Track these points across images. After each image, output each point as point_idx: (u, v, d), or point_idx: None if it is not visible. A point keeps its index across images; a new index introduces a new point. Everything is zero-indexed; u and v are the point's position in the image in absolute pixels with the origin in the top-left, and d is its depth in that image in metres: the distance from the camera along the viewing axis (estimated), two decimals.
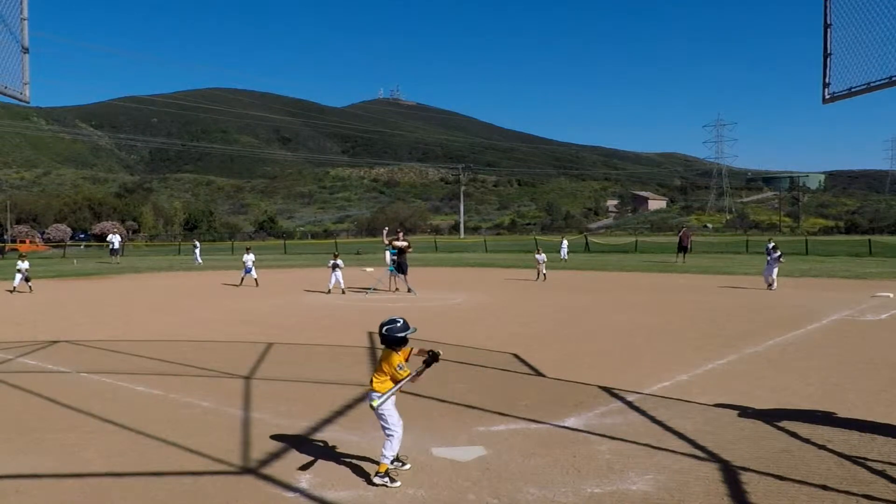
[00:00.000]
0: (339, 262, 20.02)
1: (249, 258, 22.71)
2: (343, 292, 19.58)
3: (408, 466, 5.17)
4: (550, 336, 11.89)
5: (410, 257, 21.57)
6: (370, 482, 4.91)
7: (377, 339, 11.60)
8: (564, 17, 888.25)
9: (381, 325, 5.13)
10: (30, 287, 21.00)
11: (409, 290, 19.50)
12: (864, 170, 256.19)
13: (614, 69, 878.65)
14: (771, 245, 20.22)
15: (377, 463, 5.06)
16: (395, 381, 4.97)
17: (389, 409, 5.00)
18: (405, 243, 20.20)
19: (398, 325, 5.08)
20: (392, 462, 5.02)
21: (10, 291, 20.57)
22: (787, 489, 4.71)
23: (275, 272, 30.33)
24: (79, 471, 5.23)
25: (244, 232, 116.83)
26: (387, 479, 4.86)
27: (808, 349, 10.20)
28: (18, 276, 20.79)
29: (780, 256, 19.61)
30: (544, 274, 24.29)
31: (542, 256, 24.55)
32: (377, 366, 5.14)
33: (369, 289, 20.45)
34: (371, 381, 5.08)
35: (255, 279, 22.49)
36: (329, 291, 19.61)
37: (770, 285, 19.43)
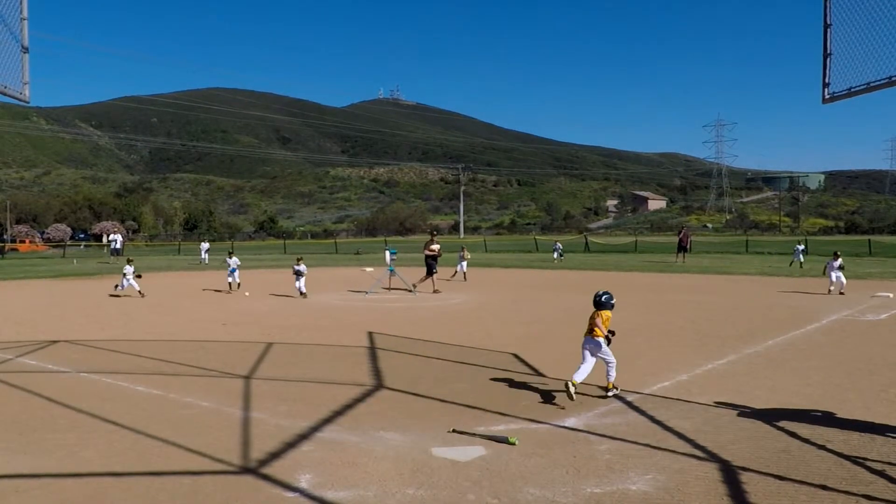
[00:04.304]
0: (302, 267, 18.97)
1: (234, 261, 21.04)
2: (304, 296, 18.63)
3: (616, 391, 7.37)
4: (550, 336, 11.89)
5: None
6: (604, 396, 7.17)
7: (377, 339, 11.72)
8: (564, 17, 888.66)
9: (601, 294, 7.39)
10: (140, 292, 19.09)
11: (418, 290, 19.84)
12: (863, 170, 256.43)
13: (614, 69, 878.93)
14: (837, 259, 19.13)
15: (376, 462, 5.06)
16: (604, 332, 7.25)
17: (606, 347, 7.27)
18: (437, 246, 20.80)
19: (610, 295, 7.40)
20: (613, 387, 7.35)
21: (117, 296, 19.30)
22: (787, 489, 4.71)
23: (274, 272, 30.32)
24: (79, 471, 5.23)
25: (244, 232, 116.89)
26: (617, 391, 7.30)
27: (808, 349, 10.20)
28: (126, 281, 19.17)
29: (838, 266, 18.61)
30: (464, 273, 24.71)
31: (462, 254, 25.15)
32: (592, 322, 7.31)
33: (369, 290, 20.44)
34: (592, 332, 7.27)
35: (238, 283, 20.97)
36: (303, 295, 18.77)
37: (830, 290, 18.29)
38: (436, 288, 20.10)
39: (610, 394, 7.20)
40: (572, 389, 6.82)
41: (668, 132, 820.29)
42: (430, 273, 20.32)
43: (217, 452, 5.59)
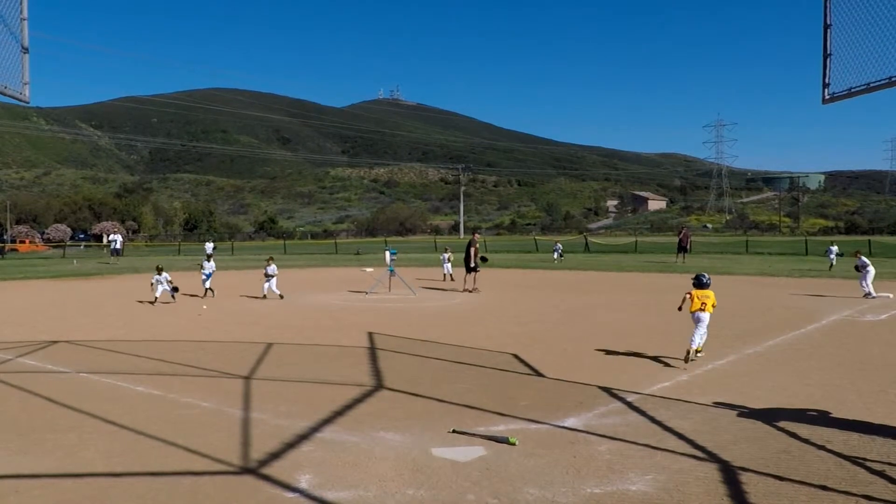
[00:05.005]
0: (270, 268, 18.49)
1: (210, 266, 19.53)
2: (264, 297, 18.36)
3: (701, 354, 9.36)
4: (550, 336, 11.89)
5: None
6: (687, 361, 8.91)
7: (377, 339, 11.72)
8: (564, 17, 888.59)
9: (701, 275, 9.55)
10: (210, 291, 18.60)
11: (473, 289, 19.95)
12: (863, 170, 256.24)
13: (614, 69, 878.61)
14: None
15: (376, 462, 5.07)
16: (713, 307, 9.33)
17: (707, 319, 9.27)
18: (474, 247, 20.71)
19: (708, 276, 9.63)
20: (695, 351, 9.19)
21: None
22: (786, 489, 4.71)
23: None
24: (79, 471, 5.23)
25: (244, 232, 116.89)
26: (702, 354, 9.35)
27: (808, 349, 10.21)
28: (161, 287, 17.50)
29: (857, 266, 17.83)
30: (451, 275, 24.49)
31: (446, 255, 24.89)
32: (699, 299, 9.27)
33: (369, 290, 20.44)
34: (704, 307, 9.23)
35: (209, 288, 19.18)
36: (265, 297, 18.35)
37: (867, 294, 17.18)
38: (475, 286, 20.32)
39: (697, 356, 9.27)
40: (692, 353, 9.09)
41: (668, 132, 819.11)
42: (474, 270, 20.46)
43: (217, 452, 5.59)
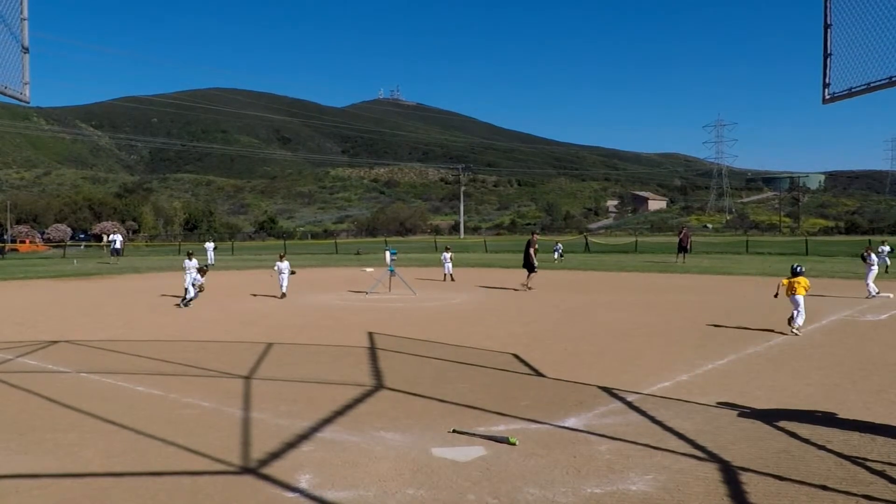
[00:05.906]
0: (283, 264, 18.57)
1: (192, 264, 17.63)
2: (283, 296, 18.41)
3: (798, 334, 11.24)
4: (550, 336, 11.89)
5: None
6: (792, 331, 11.26)
7: (377, 339, 11.71)
8: (564, 17, 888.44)
9: (799, 266, 11.72)
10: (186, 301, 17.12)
11: (528, 287, 20.09)
12: (864, 170, 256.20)
13: (614, 69, 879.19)
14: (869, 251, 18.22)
15: (376, 462, 5.06)
16: (806, 290, 11.42)
17: (802, 301, 11.35)
18: (533, 247, 20.67)
19: (802, 266, 11.76)
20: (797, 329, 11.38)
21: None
22: (787, 489, 4.71)
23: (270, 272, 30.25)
24: (79, 471, 5.23)
25: (244, 232, 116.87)
26: (799, 334, 11.18)
27: (808, 349, 10.21)
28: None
29: (872, 261, 17.63)
30: (451, 275, 24.56)
31: (447, 255, 24.94)
32: (794, 287, 11.47)
33: (369, 290, 20.44)
34: (795, 290, 11.40)
35: (187, 289, 17.34)
36: (284, 295, 18.44)
37: (870, 294, 17.00)
38: (530, 285, 20.32)
39: (796, 333, 11.27)
40: (795, 328, 11.41)
41: (668, 132, 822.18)
42: (533, 270, 20.51)
43: (217, 452, 5.59)
